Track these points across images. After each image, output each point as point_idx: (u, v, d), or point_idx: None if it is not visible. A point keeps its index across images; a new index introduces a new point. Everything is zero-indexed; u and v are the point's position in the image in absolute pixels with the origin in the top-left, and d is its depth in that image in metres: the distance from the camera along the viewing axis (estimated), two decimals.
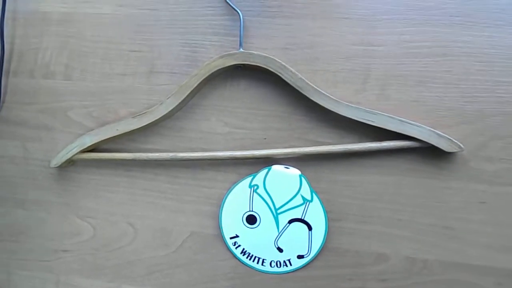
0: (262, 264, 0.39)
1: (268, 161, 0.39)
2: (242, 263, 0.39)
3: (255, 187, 0.38)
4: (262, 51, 0.37)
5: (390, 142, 0.36)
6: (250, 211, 0.39)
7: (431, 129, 0.35)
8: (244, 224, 0.39)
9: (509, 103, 0.36)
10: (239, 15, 0.37)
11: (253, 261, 0.39)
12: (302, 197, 0.38)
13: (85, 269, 0.42)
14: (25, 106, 0.43)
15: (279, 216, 0.38)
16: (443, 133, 0.35)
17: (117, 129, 0.39)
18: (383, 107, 0.37)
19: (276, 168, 0.38)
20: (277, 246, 0.38)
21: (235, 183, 0.39)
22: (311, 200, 0.37)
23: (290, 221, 0.38)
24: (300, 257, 0.38)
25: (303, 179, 0.38)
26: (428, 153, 0.36)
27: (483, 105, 0.36)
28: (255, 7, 0.39)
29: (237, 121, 0.39)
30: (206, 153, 0.38)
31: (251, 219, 0.39)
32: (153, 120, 0.38)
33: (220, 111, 0.40)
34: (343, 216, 0.38)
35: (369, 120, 0.35)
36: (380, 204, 0.38)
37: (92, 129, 0.40)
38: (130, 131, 0.39)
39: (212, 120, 0.40)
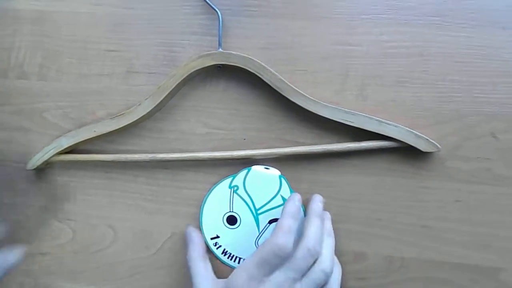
0: (238, 263, 0.39)
1: (248, 162, 0.39)
2: (223, 263, 0.39)
3: (235, 188, 0.38)
4: (241, 51, 0.37)
5: (368, 142, 0.36)
6: (230, 211, 0.39)
7: (409, 129, 0.35)
8: (225, 225, 0.39)
9: (485, 103, 0.36)
10: (218, 15, 0.37)
11: (234, 261, 0.39)
12: (282, 197, 0.38)
13: (64, 272, 0.42)
14: None
15: (259, 216, 0.38)
16: (420, 133, 0.35)
17: (94, 131, 0.38)
18: (362, 107, 0.37)
19: (256, 168, 0.38)
20: (257, 246, 0.38)
21: (215, 184, 0.39)
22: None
23: (271, 221, 0.38)
24: None
25: (283, 179, 0.38)
26: (406, 153, 0.37)
27: (459, 105, 0.36)
28: (234, 6, 0.38)
29: (217, 121, 0.39)
30: (186, 154, 0.38)
31: (232, 220, 0.39)
32: (131, 121, 0.38)
33: (199, 111, 0.39)
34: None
35: (348, 121, 0.35)
36: (359, 204, 0.38)
37: (69, 131, 0.39)
38: (108, 132, 0.38)
39: (191, 121, 0.39)
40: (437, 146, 0.35)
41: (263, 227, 0.38)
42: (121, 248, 0.41)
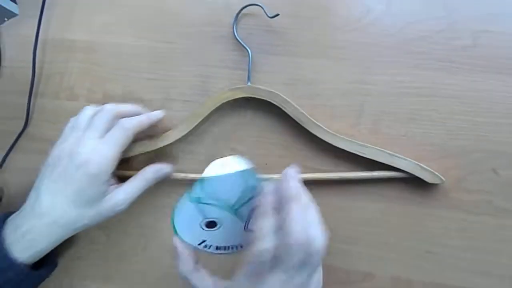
0: (240, 247, 0.38)
1: None
2: (221, 254, 0.39)
3: (198, 199, 0.35)
4: (267, 85, 0.41)
5: (379, 172, 0.40)
6: (205, 218, 0.36)
7: (416, 162, 0.39)
8: (206, 230, 0.36)
9: (487, 142, 0.40)
10: (248, 52, 0.42)
11: (231, 249, 0.38)
12: (252, 187, 0.35)
13: (98, 275, 0.46)
14: (50, 125, 0.47)
15: (238, 211, 0.36)
16: (427, 165, 0.39)
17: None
18: (374, 140, 0.41)
19: (209, 173, 0.34)
20: (247, 230, 0.37)
21: (175, 203, 0.35)
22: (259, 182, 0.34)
23: (252, 210, 0.35)
24: None
25: (246, 172, 0.34)
26: (413, 183, 0.40)
27: (464, 142, 0.40)
28: (263, 45, 0.43)
29: (242, 147, 0.43)
30: None
31: (211, 224, 0.36)
32: (167, 143, 0.42)
33: (226, 137, 0.44)
34: (335, 237, 0.42)
35: (361, 152, 0.39)
36: (368, 228, 0.41)
37: None
38: (145, 152, 0.43)
39: (220, 146, 0.44)
40: (441, 178, 0.39)
41: (247, 216, 0.36)
42: (152, 256, 0.45)
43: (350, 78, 0.42)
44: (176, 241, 0.36)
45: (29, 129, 0.47)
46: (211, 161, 0.33)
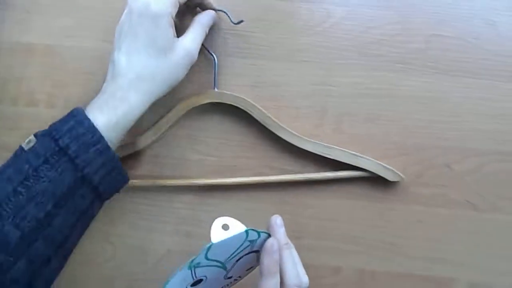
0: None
1: (238, 188, 0.43)
2: None
3: (196, 264, 0.32)
4: (234, 87, 0.42)
5: (345, 172, 0.42)
6: (195, 278, 0.33)
7: (379, 162, 0.41)
8: (192, 287, 0.34)
9: (442, 138, 0.43)
10: (214, 59, 0.42)
11: None
12: (250, 241, 0.33)
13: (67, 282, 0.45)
14: (7, 132, 0.45)
15: (226, 264, 0.34)
16: (388, 162, 0.41)
17: None
18: (338, 139, 0.43)
19: (217, 238, 0.31)
20: (226, 278, 0.36)
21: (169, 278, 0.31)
22: (259, 237, 0.33)
23: (238, 260, 0.34)
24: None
25: (249, 231, 0.32)
26: (376, 181, 0.42)
27: (420, 139, 0.43)
28: (229, 48, 0.43)
29: (210, 149, 0.44)
30: (182, 180, 0.43)
31: (197, 282, 0.34)
32: (134, 151, 0.42)
33: (194, 140, 0.44)
34: (303, 234, 0.43)
35: (327, 154, 0.41)
36: (336, 224, 0.43)
37: None
38: None
39: (187, 149, 0.44)
40: (401, 176, 0.41)
41: (231, 266, 0.35)
42: (119, 263, 0.45)
43: (313, 80, 0.43)
44: None
45: None
46: (213, 222, 0.31)
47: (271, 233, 0.33)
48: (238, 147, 0.44)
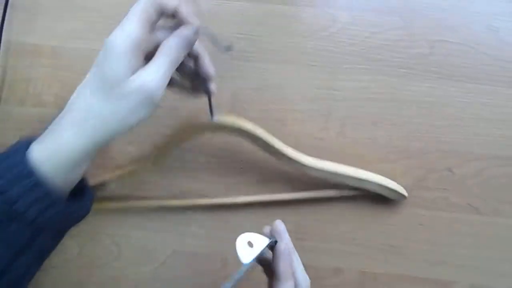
0: None
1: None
2: None
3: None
4: (237, 90, 0.43)
5: (349, 191, 0.42)
6: None
7: (383, 184, 0.41)
8: None
9: (444, 142, 0.43)
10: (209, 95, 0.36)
11: None
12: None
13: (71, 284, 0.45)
14: (16, 132, 0.45)
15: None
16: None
17: None
18: (342, 143, 0.43)
19: (247, 259, 0.29)
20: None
21: None
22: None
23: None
24: None
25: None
26: None
27: (423, 143, 0.43)
28: (234, 51, 0.43)
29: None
30: (187, 200, 0.44)
31: None
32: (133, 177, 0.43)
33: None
34: (305, 236, 0.44)
35: (331, 179, 0.41)
36: (338, 226, 0.44)
37: None
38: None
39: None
40: (405, 196, 0.42)
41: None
42: (125, 263, 0.45)
43: (317, 84, 0.44)
44: None
45: None
46: (237, 240, 0.30)
47: (277, 239, 0.33)
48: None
